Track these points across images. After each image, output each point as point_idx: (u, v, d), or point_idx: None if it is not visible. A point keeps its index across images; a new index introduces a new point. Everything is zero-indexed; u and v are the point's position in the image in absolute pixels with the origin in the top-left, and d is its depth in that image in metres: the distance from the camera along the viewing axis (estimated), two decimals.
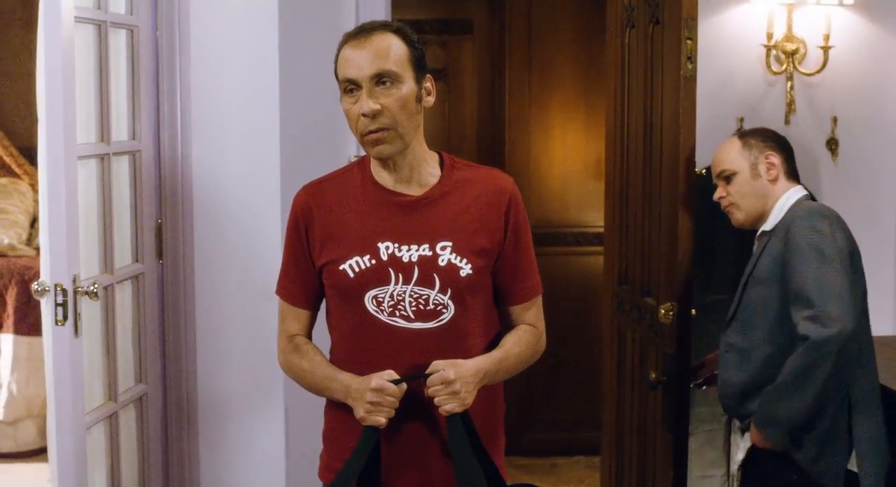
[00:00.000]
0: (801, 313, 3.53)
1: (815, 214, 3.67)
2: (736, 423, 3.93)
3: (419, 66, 2.87)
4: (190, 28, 4.12)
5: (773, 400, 3.58)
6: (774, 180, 3.82)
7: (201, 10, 4.12)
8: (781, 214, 3.76)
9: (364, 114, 2.80)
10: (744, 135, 3.94)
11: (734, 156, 3.87)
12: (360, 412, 2.80)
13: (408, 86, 2.83)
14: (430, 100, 2.91)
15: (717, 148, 4.01)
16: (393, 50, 2.82)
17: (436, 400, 2.79)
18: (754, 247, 3.88)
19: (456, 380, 2.78)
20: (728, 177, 3.88)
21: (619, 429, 4.93)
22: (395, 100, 2.81)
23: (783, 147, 3.88)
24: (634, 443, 4.69)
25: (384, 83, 2.80)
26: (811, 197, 3.90)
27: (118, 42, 3.94)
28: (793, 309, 3.58)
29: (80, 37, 3.61)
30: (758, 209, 3.84)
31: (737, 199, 3.87)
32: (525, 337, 3.02)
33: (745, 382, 3.73)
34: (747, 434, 3.76)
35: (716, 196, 3.94)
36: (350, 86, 2.83)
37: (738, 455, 3.84)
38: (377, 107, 2.79)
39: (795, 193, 3.82)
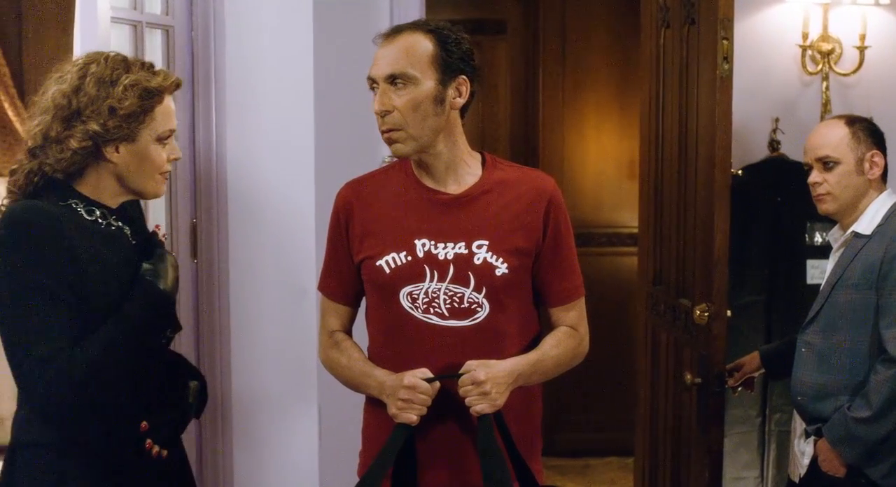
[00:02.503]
0: (892, 330, 3.52)
1: None
2: (797, 428, 3.88)
3: (447, 67, 2.86)
4: (225, 28, 4.13)
5: (856, 423, 3.53)
6: (874, 180, 3.72)
7: (237, 11, 4.13)
8: (878, 219, 3.67)
9: (376, 113, 2.85)
10: (852, 122, 3.77)
11: (842, 146, 3.72)
12: (392, 409, 2.82)
13: (425, 87, 2.83)
14: (457, 101, 2.90)
15: (817, 128, 3.89)
16: (414, 50, 2.83)
17: (466, 400, 2.79)
18: (835, 247, 3.80)
19: (487, 381, 2.78)
20: (829, 165, 3.72)
21: (652, 431, 4.92)
22: (406, 102, 2.83)
23: (884, 146, 3.78)
24: (668, 445, 4.67)
25: (397, 84, 2.83)
26: None
27: (154, 42, 3.96)
28: (883, 322, 3.55)
29: (116, 37, 3.63)
30: (851, 204, 3.71)
31: (835, 190, 3.71)
32: (564, 340, 3.01)
33: (821, 384, 3.66)
34: (811, 440, 3.73)
35: (811, 179, 3.77)
36: (372, 85, 2.88)
37: (804, 460, 3.78)
38: (385, 107, 2.84)
39: (889, 198, 3.72)
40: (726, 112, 4.01)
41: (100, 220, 2.74)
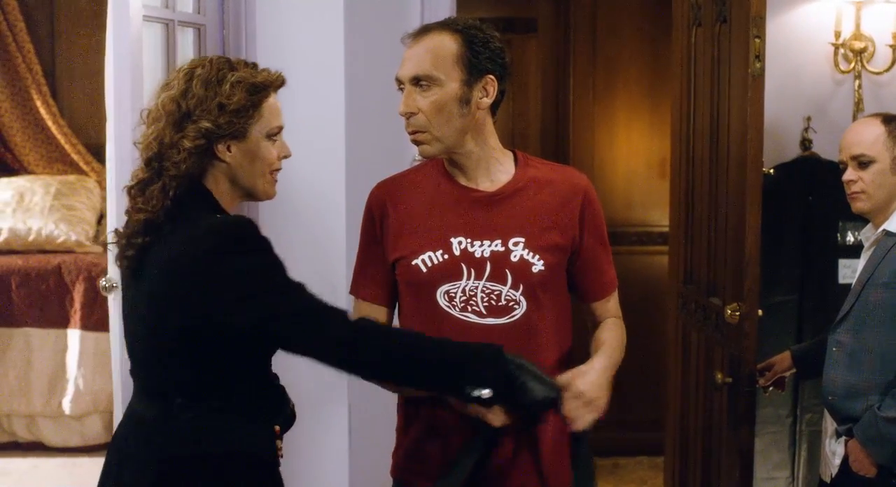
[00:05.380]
0: None
1: None
2: (828, 428, 3.86)
3: (473, 67, 2.84)
4: (256, 26, 4.14)
5: (887, 423, 3.50)
6: None
7: (268, 9, 4.15)
8: None
9: (402, 115, 2.85)
10: (888, 121, 3.73)
11: (878, 144, 3.68)
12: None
13: (449, 88, 2.82)
14: (484, 101, 2.87)
15: (853, 126, 3.86)
16: (439, 51, 2.82)
17: (573, 415, 2.74)
18: (867, 245, 3.77)
19: (588, 390, 2.76)
20: (864, 163, 3.68)
21: (683, 430, 4.91)
22: (429, 104, 2.82)
23: None
24: (699, 444, 4.66)
25: (422, 85, 2.83)
26: None
27: (186, 41, 3.98)
28: None
29: (148, 35, 3.65)
30: (885, 203, 3.68)
31: (869, 189, 3.68)
32: (617, 329, 3.07)
33: (852, 384, 3.63)
34: (842, 440, 3.71)
35: (845, 177, 3.73)
36: (399, 85, 2.88)
37: (836, 460, 3.76)
38: (410, 109, 2.84)
39: None
40: (758, 111, 3.99)
41: None
